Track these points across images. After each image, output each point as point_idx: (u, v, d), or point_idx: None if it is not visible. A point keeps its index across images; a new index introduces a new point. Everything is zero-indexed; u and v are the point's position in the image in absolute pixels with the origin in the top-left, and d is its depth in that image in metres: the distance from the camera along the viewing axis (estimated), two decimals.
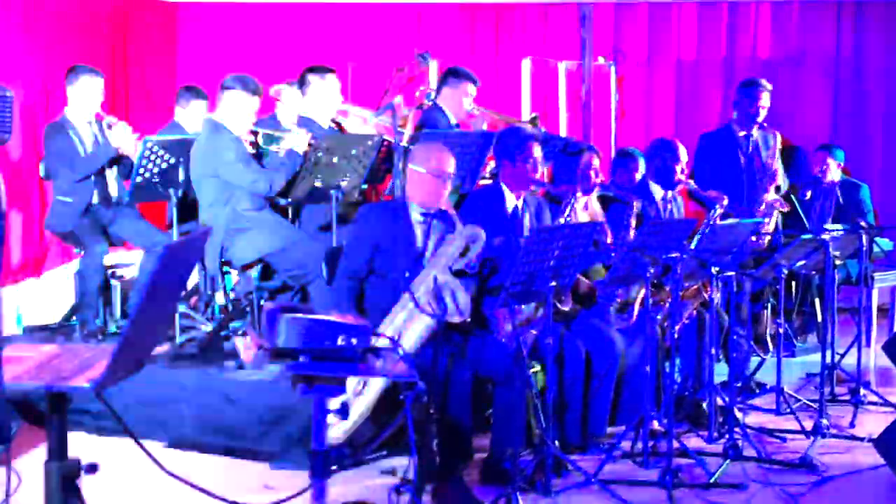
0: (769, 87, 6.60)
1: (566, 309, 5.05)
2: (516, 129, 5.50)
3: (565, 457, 4.66)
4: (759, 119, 6.56)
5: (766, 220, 6.42)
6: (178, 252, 2.74)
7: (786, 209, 6.62)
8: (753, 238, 6.15)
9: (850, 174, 8.16)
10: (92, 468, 2.76)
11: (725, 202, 5.73)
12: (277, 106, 7.26)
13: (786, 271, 5.62)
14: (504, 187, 5.17)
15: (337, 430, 4.15)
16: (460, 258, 4.47)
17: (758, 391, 6.00)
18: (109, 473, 2.94)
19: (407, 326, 4.35)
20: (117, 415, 2.86)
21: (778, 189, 6.61)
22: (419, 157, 4.73)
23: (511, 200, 5.16)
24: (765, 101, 6.54)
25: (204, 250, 5.46)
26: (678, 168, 5.94)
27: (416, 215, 4.73)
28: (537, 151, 5.14)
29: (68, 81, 6.32)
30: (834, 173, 7.68)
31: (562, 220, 5.22)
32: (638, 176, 6.21)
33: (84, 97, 6.28)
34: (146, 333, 2.75)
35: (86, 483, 2.81)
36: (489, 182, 5.85)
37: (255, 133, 6.11)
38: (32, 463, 3.00)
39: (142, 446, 2.90)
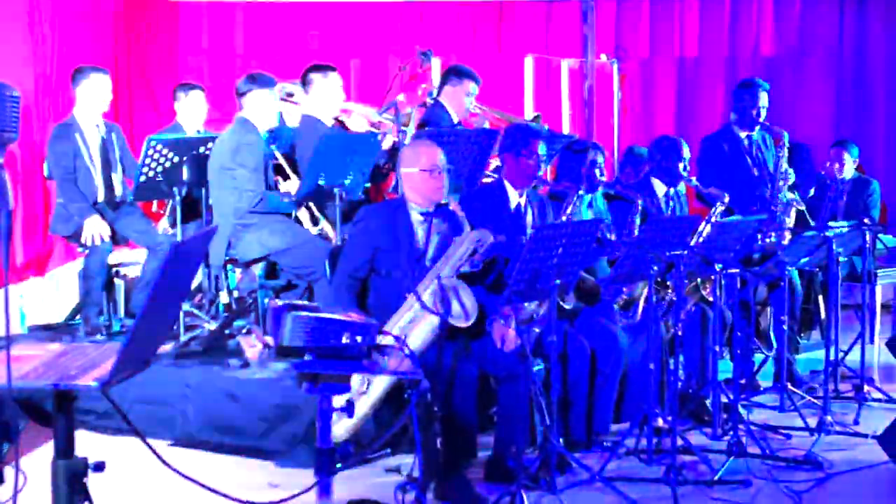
0: (767, 86, 6.59)
1: (568, 307, 5.05)
2: (522, 126, 5.50)
3: (569, 454, 4.66)
4: (761, 119, 6.55)
5: (787, 218, 6.39)
6: (184, 251, 2.75)
7: (802, 207, 6.60)
8: (772, 238, 6.14)
9: (865, 171, 8.13)
10: (99, 467, 2.77)
11: (726, 199, 5.73)
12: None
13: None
14: (507, 184, 5.16)
15: (340, 428, 4.14)
16: (467, 260, 4.46)
17: (762, 389, 6.00)
18: (115, 472, 2.94)
19: (412, 326, 4.34)
20: (124, 414, 2.87)
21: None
22: (407, 159, 4.72)
23: (514, 198, 5.15)
24: (764, 100, 6.53)
25: (208, 249, 5.45)
26: (681, 165, 5.94)
27: (416, 215, 4.72)
28: (541, 148, 5.13)
29: (74, 81, 6.31)
30: (848, 169, 7.67)
31: (563, 218, 5.22)
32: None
33: (92, 96, 6.28)
34: (153, 332, 2.76)
35: (92, 481, 2.81)
36: (492, 180, 5.84)
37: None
38: (38, 462, 3.01)
39: (148, 445, 2.91)
